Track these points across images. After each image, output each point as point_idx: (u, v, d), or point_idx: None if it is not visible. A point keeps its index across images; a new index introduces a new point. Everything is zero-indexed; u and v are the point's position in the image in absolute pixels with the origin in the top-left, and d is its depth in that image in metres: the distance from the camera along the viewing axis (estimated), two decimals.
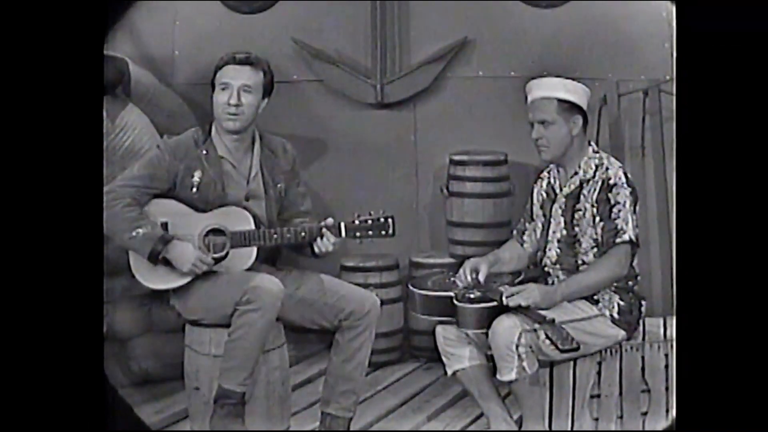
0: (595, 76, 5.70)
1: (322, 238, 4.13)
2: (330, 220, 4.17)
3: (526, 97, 4.34)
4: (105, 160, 4.63)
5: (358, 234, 4.17)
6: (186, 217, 4.15)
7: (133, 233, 4.04)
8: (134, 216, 4.06)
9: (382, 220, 4.18)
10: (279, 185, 4.28)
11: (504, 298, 4.03)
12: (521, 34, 5.89)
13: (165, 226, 4.13)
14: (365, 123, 6.10)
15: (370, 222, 4.18)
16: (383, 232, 4.18)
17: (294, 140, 4.52)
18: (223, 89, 4.15)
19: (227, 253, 4.12)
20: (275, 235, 4.13)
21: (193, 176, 4.15)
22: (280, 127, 4.65)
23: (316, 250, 4.15)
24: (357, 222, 4.17)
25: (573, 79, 4.34)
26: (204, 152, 4.17)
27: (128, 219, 4.04)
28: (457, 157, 5.75)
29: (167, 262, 4.09)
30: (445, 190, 5.79)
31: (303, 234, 4.14)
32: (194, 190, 4.15)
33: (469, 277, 4.24)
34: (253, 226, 4.13)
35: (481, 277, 4.25)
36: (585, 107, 4.30)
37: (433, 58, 5.94)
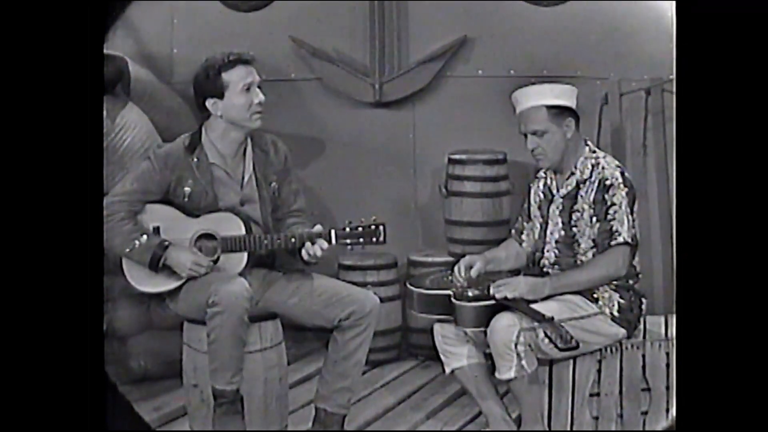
0: (596, 75, 5.71)
1: (312, 244, 4.12)
2: (320, 227, 4.17)
3: (514, 108, 4.32)
4: (105, 159, 4.66)
5: (348, 241, 4.15)
6: (178, 221, 4.16)
7: (131, 246, 4.08)
8: (130, 229, 4.10)
9: (373, 227, 4.16)
10: (272, 185, 4.28)
11: (491, 290, 4.03)
12: (521, 32, 5.88)
13: (157, 230, 4.15)
14: (363, 122, 6.10)
15: (361, 229, 4.15)
16: (374, 240, 4.16)
17: (292, 139, 4.52)
18: (247, 89, 4.14)
19: (218, 258, 4.13)
20: (265, 241, 4.14)
21: (184, 186, 4.16)
22: (277, 126, 4.65)
23: (305, 256, 4.14)
24: (348, 229, 4.15)
25: (563, 78, 4.31)
26: (195, 160, 4.17)
27: (125, 232, 4.09)
28: (455, 156, 5.75)
29: (164, 267, 4.11)
30: (443, 189, 5.78)
31: (293, 240, 4.14)
32: (186, 199, 4.16)
33: (464, 274, 4.23)
34: (243, 231, 4.13)
35: (474, 273, 4.23)
36: (574, 106, 4.28)
37: (431, 57, 5.94)
